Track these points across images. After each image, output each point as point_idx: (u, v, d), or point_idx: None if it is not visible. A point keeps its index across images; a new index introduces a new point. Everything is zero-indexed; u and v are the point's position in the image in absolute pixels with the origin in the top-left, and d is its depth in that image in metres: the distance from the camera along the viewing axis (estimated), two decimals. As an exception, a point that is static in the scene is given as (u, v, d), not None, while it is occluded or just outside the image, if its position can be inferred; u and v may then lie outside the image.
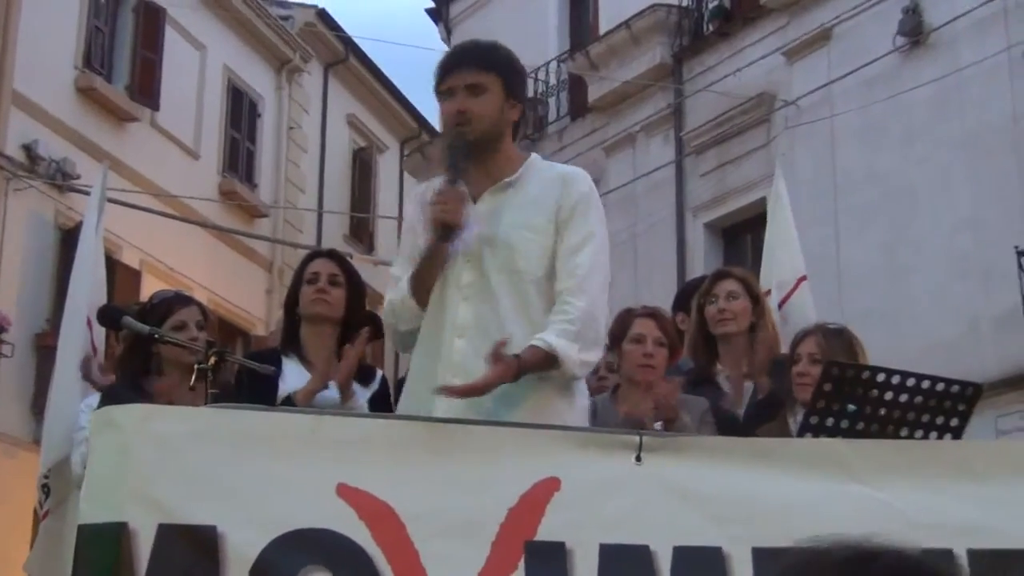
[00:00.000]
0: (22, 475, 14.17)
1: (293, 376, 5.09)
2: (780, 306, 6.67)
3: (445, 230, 4.12)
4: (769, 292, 6.54)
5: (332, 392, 5.08)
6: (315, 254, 5.60)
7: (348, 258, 5.78)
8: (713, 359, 5.91)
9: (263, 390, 4.92)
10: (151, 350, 5.31)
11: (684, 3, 19.45)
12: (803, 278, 7.02)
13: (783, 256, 7.09)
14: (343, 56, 27.61)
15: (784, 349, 6.15)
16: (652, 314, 5.63)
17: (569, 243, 4.22)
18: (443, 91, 4.30)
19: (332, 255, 5.49)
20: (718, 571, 3.56)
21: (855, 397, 4.38)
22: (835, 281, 15.42)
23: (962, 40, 15.45)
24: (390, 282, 4.30)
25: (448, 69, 4.34)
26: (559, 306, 4.15)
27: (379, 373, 5.39)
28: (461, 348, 4.13)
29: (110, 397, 5.01)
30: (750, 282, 6.15)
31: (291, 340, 5.30)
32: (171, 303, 5.50)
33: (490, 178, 4.30)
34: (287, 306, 5.42)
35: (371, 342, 5.41)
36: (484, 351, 4.00)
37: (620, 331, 5.55)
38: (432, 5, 25.19)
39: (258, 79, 24.82)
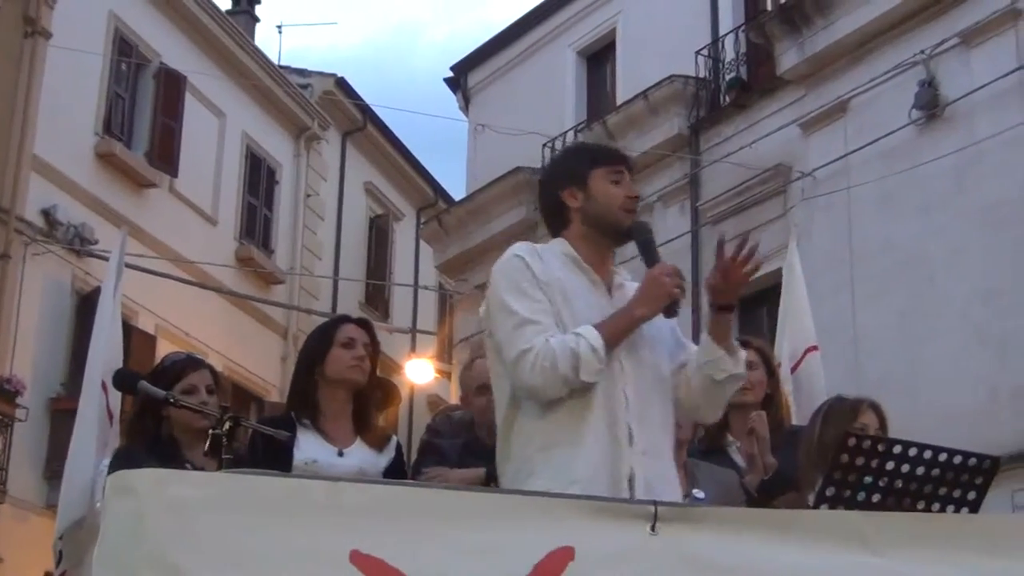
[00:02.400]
0: (34, 540, 14.15)
1: (307, 442, 5.07)
2: (791, 373, 6.70)
3: (673, 307, 4.27)
4: (780, 365, 6.54)
5: (347, 460, 5.07)
6: (345, 318, 5.54)
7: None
8: (724, 429, 5.90)
9: (277, 456, 4.90)
10: (162, 414, 5.31)
11: (701, 74, 19.57)
12: (812, 348, 7.02)
13: (795, 327, 7.09)
14: (361, 124, 27.81)
15: (795, 421, 6.17)
16: None
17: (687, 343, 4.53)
18: (614, 171, 4.44)
19: (364, 323, 5.47)
20: (733, 643, 3.53)
21: (871, 469, 4.36)
22: (851, 350, 15.39)
23: (979, 113, 15.50)
24: (525, 327, 4.15)
25: (622, 158, 4.55)
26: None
27: (394, 439, 5.36)
28: (639, 440, 4.21)
29: (122, 459, 5.00)
30: (768, 354, 6.17)
31: (306, 403, 5.23)
32: (182, 366, 5.50)
33: (606, 269, 4.46)
34: (306, 366, 5.31)
35: (384, 409, 5.40)
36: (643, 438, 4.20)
37: None
38: (450, 74, 25.36)
39: (276, 146, 25.00)
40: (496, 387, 4.37)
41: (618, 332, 4.20)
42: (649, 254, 4.38)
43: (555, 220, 4.50)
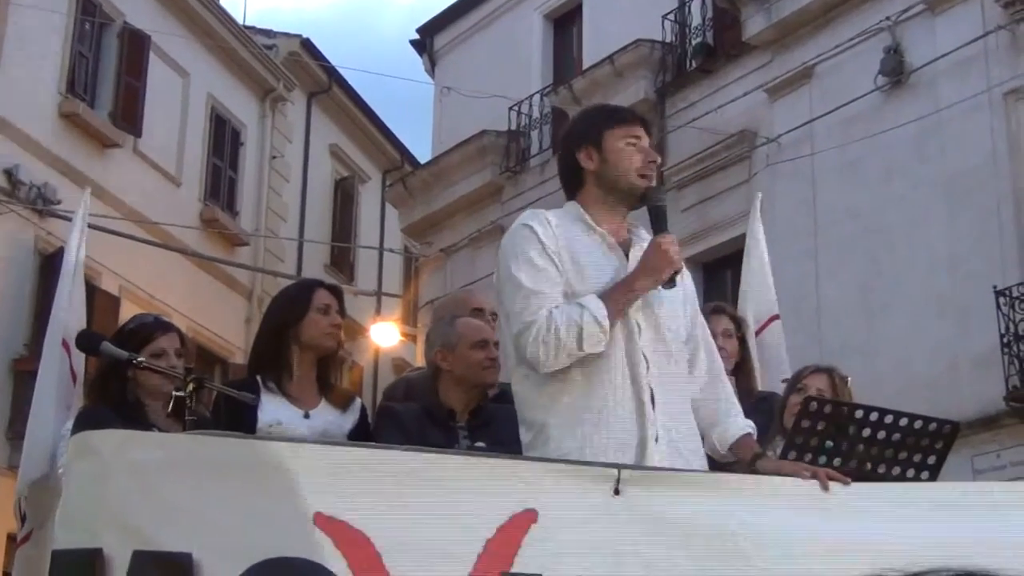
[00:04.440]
0: (-4, 500, 14.11)
1: (272, 405, 5.06)
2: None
3: (674, 278, 4.22)
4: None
5: (312, 421, 5.07)
6: (318, 283, 5.48)
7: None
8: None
9: (241, 418, 4.89)
10: (127, 376, 5.28)
11: (668, 39, 19.55)
12: (775, 317, 7.06)
13: (757, 295, 7.13)
14: (327, 86, 27.67)
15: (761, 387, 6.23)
16: None
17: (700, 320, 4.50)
18: (631, 133, 4.39)
19: (337, 291, 5.44)
20: (694, 605, 3.56)
21: (833, 433, 4.39)
22: (813, 317, 15.47)
23: (943, 80, 15.56)
24: (530, 298, 4.11)
25: (639, 120, 4.51)
26: (724, 388, 4.45)
27: (358, 401, 5.35)
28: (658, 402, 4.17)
29: (86, 421, 4.97)
30: (740, 322, 6.23)
31: (274, 365, 5.20)
32: (151, 329, 5.45)
33: (622, 231, 4.39)
34: (280, 328, 5.26)
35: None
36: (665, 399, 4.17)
37: None
38: (416, 37, 25.25)
39: (241, 107, 24.84)
40: (507, 355, 4.34)
41: (621, 303, 4.16)
42: (658, 222, 4.31)
43: (570, 182, 4.45)
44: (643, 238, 4.37)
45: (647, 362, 4.18)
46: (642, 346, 4.19)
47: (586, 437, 4.07)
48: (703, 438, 4.33)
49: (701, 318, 4.51)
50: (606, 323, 4.08)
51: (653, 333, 4.23)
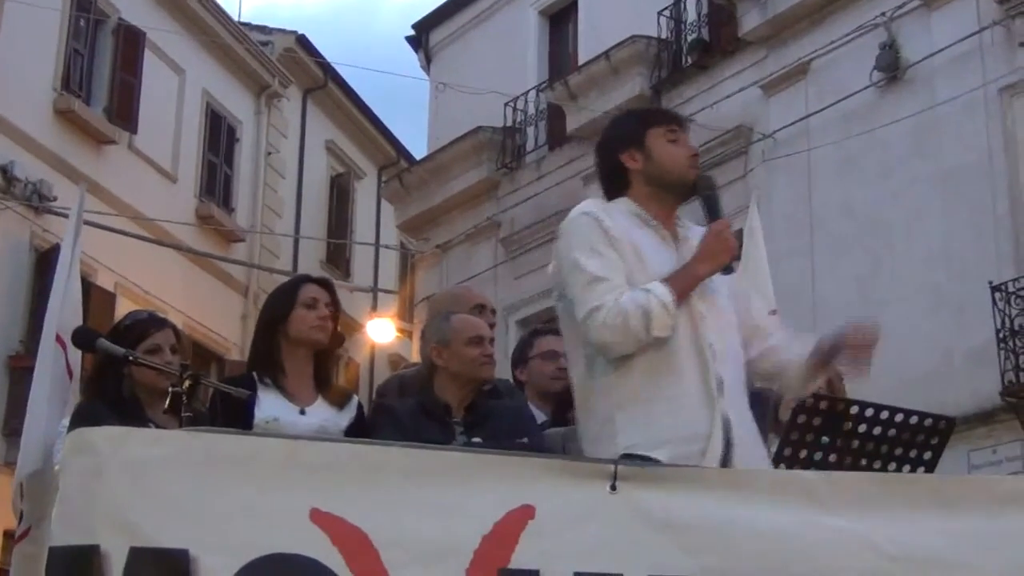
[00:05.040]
0: (-7, 497, 14.10)
1: (269, 401, 5.07)
2: None
3: (733, 263, 4.30)
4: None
5: (309, 418, 5.07)
6: (308, 278, 5.50)
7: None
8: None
9: (237, 415, 4.88)
10: (123, 372, 5.28)
11: (663, 35, 19.54)
12: (772, 312, 7.07)
13: (756, 289, 7.13)
14: (322, 82, 27.65)
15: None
16: None
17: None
18: (670, 130, 4.44)
19: (326, 283, 5.45)
20: (691, 601, 3.56)
21: (829, 429, 4.40)
22: (810, 313, 15.46)
23: (939, 76, 15.56)
24: (596, 284, 4.14)
25: (676, 116, 4.60)
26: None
27: (355, 398, 5.35)
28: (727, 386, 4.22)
29: (82, 417, 4.97)
30: None
31: (268, 362, 5.21)
32: (146, 325, 5.45)
33: (672, 224, 4.44)
34: (269, 325, 5.28)
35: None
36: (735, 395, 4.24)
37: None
38: (412, 33, 25.23)
39: (237, 104, 24.83)
40: (570, 347, 4.38)
41: (684, 288, 4.20)
42: (713, 209, 4.36)
43: (614, 184, 4.48)
44: (691, 230, 4.43)
45: (714, 350, 4.21)
46: (707, 334, 4.22)
47: (655, 427, 4.10)
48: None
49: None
50: (673, 308, 4.12)
51: (715, 321, 4.27)
